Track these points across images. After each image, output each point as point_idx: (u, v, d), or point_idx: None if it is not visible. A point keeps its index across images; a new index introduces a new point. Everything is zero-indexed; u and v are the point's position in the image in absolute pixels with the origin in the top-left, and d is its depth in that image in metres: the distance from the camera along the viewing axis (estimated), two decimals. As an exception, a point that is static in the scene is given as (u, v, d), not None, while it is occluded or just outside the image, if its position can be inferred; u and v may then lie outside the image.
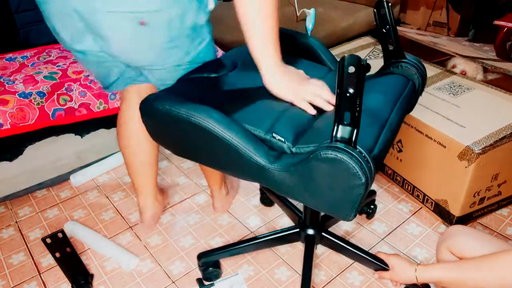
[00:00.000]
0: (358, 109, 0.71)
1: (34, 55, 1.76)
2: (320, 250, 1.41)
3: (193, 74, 1.10)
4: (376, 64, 1.17)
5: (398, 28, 2.41)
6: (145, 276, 1.36)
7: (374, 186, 1.67)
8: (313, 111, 0.94)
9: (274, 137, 0.88)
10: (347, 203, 0.80)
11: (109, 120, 1.71)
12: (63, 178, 1.77)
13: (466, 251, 1.00)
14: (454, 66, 1.83)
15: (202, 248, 1.41)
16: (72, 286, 1.32)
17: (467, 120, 1.39)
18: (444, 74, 1.68)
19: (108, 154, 1.84)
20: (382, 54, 1.15)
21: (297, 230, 1.29)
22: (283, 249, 1.42)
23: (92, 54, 1.08)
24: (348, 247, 1.26)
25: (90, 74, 1.60)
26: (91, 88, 1.59)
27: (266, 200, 1.61)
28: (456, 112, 1.44)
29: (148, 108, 0.98)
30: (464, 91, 1.56)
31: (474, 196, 1.40)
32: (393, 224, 1.50)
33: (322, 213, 1.31)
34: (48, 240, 1.44)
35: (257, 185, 1.69)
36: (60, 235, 1.44)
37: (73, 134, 1.67)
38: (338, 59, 1.18)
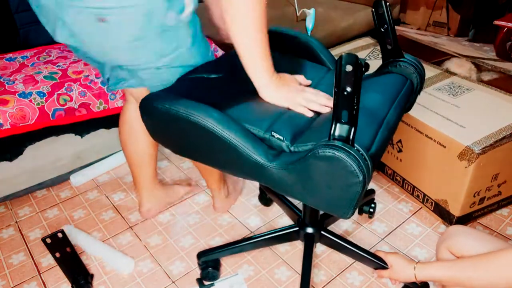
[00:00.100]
0: (355, 107, 0.72)
1: (34, 55, 1.77)
2: (320, 250, 1.41)
3: (193, 74, 1.10)
4: (376, 64, 1.18)
5: (398, 28, 2.42)
6: (145, 276, 1.36)
7: (374, 186, 1.67)
8: (310, 114, 0.95)
9: (273, 136, 0.88)
10: (344, 201, 0.81)
11: (109, 120, 1.72)
12: (63, 178, 1.77)
13: (465, 251, 1.00)
14: (447, 70, 1.83)
15: (202, 248, 1.41)
16: (72, 286, 1.32)
17: (467, 120, 1.39)
18: (444, 75, 1.68)
19: (108, 154, 1.84)
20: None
21: (297, 228, 1.30)
22: (283, 249, 1.42)
23: (74, 48, 1.09)
24: (347, 245, 1.27)
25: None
26: (91, 88, 1.59)
27: (264, 200, 1.61)
28: (456, 112, 1.44)
29: (147, 107, 0.98)
30: (464, 91, 1.56)
31: (474, 196, 1.40)
32: (393, 224, 1.50)
33: (321, 212, 1.31)
34: (48, 240, 1.43)
35: (257, 185, 1.69)
36: (60, 235, 1.44)
37: (73, 134, 1.68)
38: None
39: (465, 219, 1.46)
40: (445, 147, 1.36)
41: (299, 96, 0.97)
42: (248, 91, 0.99)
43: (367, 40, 2.02)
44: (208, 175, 1.48)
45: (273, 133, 0.88)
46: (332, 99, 0.98)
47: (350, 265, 1.36)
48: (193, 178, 1.77)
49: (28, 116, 1.48)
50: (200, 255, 1.32)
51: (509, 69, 1.69)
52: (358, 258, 1.29)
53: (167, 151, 1.93)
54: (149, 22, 0.96)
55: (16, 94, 1.48)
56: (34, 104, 1.49)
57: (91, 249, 1.44)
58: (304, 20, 1.82)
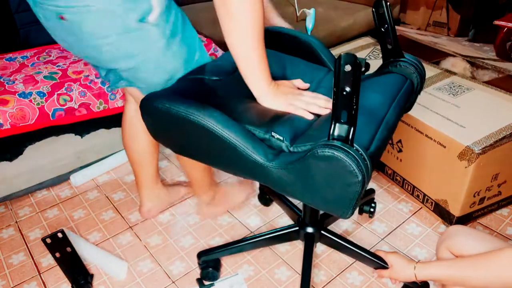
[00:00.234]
0: (354, 107, 0.72)
1: (34, 55, 1.77)
2: (320, 249, 1.41)
3: (193, 75, 1.10)
4: (376, 64, 1.18)
5: (398, 28, 2.42)
6: (145, 276, 1.36)
7: (374, 186, 1.67)
8: (310, 116, 0.95)
9: (273, 136, 0.88)
10: (344, 200, 0.81)
11: (109, 120, 1.72)
12: (63, 178, 1.77)
13: (465, 251, 1.00)
14: (446, 70, 1.83)
15: (202, 248, 1.41)
16: (72, 286, 1.32)
17: (467, 120, 1.39)
18: (444, 74, 1.68)
19: (108, 154, 1.84)
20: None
21: (297, 228, 1.30)
22: (283, 249, 1.42)
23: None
24: (347, 245, 1.27)
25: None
26: (91, 88, 1.59)
27: (264, 200, 1.61)
28: (456, 112, 1.44)
29: (148, 106, 0.99)
30: (464, 91, 1.56)
31: (474, 196, 1.40)
32: (393, 224, 1.50)
33: (321, 212, 1.31)
34: (48, 240, 1.44)
35: (257, 185, 1.69)
36: (60, 235, 1.44)
37: (73, 134, 1.68)
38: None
39: (465, 219, 1.46)
40: (445, 147, 1.36)
41: (298, 100, 0.98)
42: (248, 92, 0.99)
43: (367, 40, 2.02)
44: (192, 179, 1.47)
45: (273, 134, 0.88)
46: (331, 100, 0.98)
47: (350, 265, 1.36)
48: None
49: (28, 116, 1.48)
50: (200, 255, 1.32)
51: (509, 69, 1.69)
52: (358, 257, 1.29)
53: (168, 151, 1.93)
54: (110, 22, 0.96)
55: (16, 94, 1.48)
56: (34, 104, 1.49)
57: (85, 254, 1.43)
58: (304, 20, 1.81)
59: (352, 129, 0.74)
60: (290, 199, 1.45)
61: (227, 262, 1.38)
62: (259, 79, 0.97)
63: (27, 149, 1.59)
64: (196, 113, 0.88)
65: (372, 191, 1.55)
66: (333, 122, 0.75)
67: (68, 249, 1.40)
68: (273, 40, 1.21)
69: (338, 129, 0.75)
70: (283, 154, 0.86)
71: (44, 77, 1.58)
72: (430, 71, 1.71)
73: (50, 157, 1.67)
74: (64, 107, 1.54)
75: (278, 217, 1.56)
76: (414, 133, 1.46)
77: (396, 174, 1.63)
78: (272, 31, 1.22)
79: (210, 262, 1.32)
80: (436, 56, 1.91)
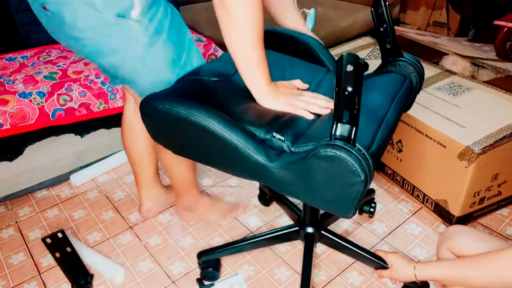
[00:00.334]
0: (356, 107, 0.72)
1: (34, 55, 1.77)
2: (320, 249, 1.41)
3: (192, 76, 1.10)
4: (377, 64, 1.18)
5: (398, 28, 2.42)
6: (145, 276, 1.36)
7: (374, 186, 1.67)
8: (310, 116, 0.95)
9: (274, 137, 0.88)
10: (346, 200, 0.81)
11: (109, 120, 1.72)
12: (63, 178, 1.77)
13: (466, 251, 1.00)
14: (446, 70, 1.83)
15: (202, 248, 1.41)
16: (72, 286, 1.32)
17: (467, 120, 1.39)
18: (444, 74, 1.68)
19: (108, 154, 1.84)
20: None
21: (297, 228, 1.30)
22: (283, 249, 1.42)
23: None
24: (347, 245, 1.27)
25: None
26: (91, 88, 1.59)
27: (264, 200, 1.61)
28: (456, 112, 1.44)
29: (147, 108, 0.98)
30: (464, 91, 1.56)
31: (474, 196, 1.40)
32: (393, 224, 1.50)
33: (321, 212, 1.31)
34: (48, 240, 1.44)
35: (257, 185, 1.69)
36: (60, 235, 1.44)
37: (73, 134, 1.68)
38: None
39: (465, 219, 1.46)
40: (445, 147, 1.36)
41: (298, 100, 0.98)
42: (248, 93, 0.99)
43: (367, 40, 2.03)
44: (175, 179, 1.44)
45: (274, 134, 0.88)
46: (331, 101, 0.99)
47: (350, 265, 1.36)
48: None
49: (28, 116, 1.48)
50: (200, 255, 1.32)
51: (509, 69, 1.69)
52: (358, 257, 1.29)
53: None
54: (89, 15, 0.96)
55: (16, 94, 1.48)
56: (34, 104, 1.49)
57: (83, 258, 1.42)
58: (304, 20, 1.82)
59: (354, 129, 0.75)
60: (290, 199, 1.45)
61: (227, 262, 1.38)
62: (258, 80, 0.97)
63: (27, 149, 1.59)
64: (197, 114, 0.88)
65: (372, 191, 1.55)
66: (335, 122, 0.75)
67: (68, 249, 1.40)
68: (272, 40, 1.21)
69: (340, 129, 0.75)
70: (285, 155, 0.86)
71: (44, 77, 1.58)
72: (430, 71, 1.71)
73: (50, 157, 1.67)
74: (64, 107, 1.54)
75: (278, 217, 1.56)
76: (414, 133, 1.46)
77: (396, 174, 1.63)
78: (271, 32, 1.22)
79: (210, 262, 1.32)
80: (436, 56, 1.91)
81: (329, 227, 1.40)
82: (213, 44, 1.85)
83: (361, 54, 1.84)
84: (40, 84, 1.53)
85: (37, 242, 1.50)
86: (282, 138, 0.88)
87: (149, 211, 1.55)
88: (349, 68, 0.69)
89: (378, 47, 1.88)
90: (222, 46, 1.82)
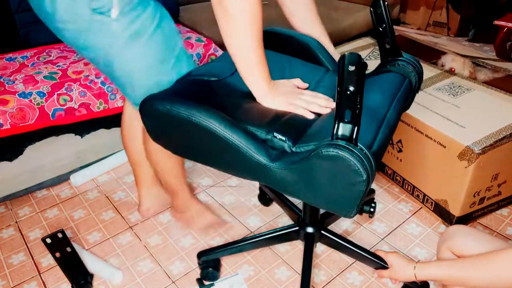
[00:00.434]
0: (358, 106, 0.72)
1: (34, 55, 1.76)
2: (320, 249, 1.41)
3: (192, 76, 1.10)
4: (376, 64, 1.18)
5: (398, 28, 2.42)
6: (145, 276, 1.36)
7: (374, 186, 1.67)
8: (311, 115, 0.95)
9: (275, 137, 0.88)
10: (348, 200, 0.81)
11: (109, 120, 1.71)
12: (63, 178, 1.77)
13: (467, 251, 1.01)
14: (443, 65, 1.83)
15: (202, 248, 1.41)
16: (72, 286, 1.32)
17: (467, 120, 1.39)
18: (444, 75, 1.68)
19: (108, 154, 1.84)
20: (381, 53, 1.15)
21: (297, 228, 1.30)
22: (283, 249, 1.42)
23: None
24: (347, 245, 1.27)
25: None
26: (91, 88, 1.59)
27: (264, 200, 1.61)
28: (456, 112, 1.44)
29: (147, 109, 0.98)
30: (464, 91, 1.56)
31: (474, 196, 1.40)
32: (393, 224, 1.50)
33: (321, 211, 1.31)
34: (48, 240, 1.43)
35: (257, 185, 1.69)
36: (60, 235, 1.43)
37: (73, 134, 1.67)
38: (337, 60, 1.18)
39: (465, 219, 1.46)
40: (445, 147, 1.36)
41: (298, 99, 0.98)
42: (248, 92, 0.99)
43: (367, 40, 2.03)
44: (168, 186, 1.44)
45: (275, 134, 0.88)
46: (331, 100, 0.99)
47: (350, 265, 1.36)
48: (192, 178, 1.77)
49: (28, 116, 1.48)
50: (200, 255, 1.32)
51: (509, 69, 1.69)
52: (359, 257, 1.29)
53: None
54: (67, 7, 0.98)
55: (16, 94, 1.48)
56: (34, 104, 1.49)
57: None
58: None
59: (356, 128, 0.75)
60: (290, 199, 1.44)
61: (227, 262, 1.38)
62: (258, 80, 0.97)
63: (27, 149, 1.59)
64: (198, 114, 0.88)
65: (372, 191, 1.55)
66: (337, 122, 0.75)
67: (68, 249, 1.39)
68: (271, 40, 1.21)
69: (342, 129, 0.75)
70: (286, 155, 0.86)
71: (44, 77, 1.57)
72: (430, 71, 1.71)
73: (50, 157, 1.67)
74: (64, 107, 1.54)
75: (278, 217, 1.56)
76: (414, 133, 1.46)
77: (396, 174, 1.63)
78: (270, 32, 1.22)
79: (210, 262, 1.32)
80: (436, 56, 1.91)
81: (329, 227, 1.40)
82: (213, 44, 1.85)
83: (361, 54, 1.84)
84: (40, 84, 1.53)
85: (37, 242, 1.50)
86: (283, 138, 0.88)
87: (148, 210, 1.55)
88: (351, 67, 0.69)
89: (378, 47, 1.89)
90: (222, 46, 1.82)
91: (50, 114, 1.52)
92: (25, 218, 1.61)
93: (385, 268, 1.17)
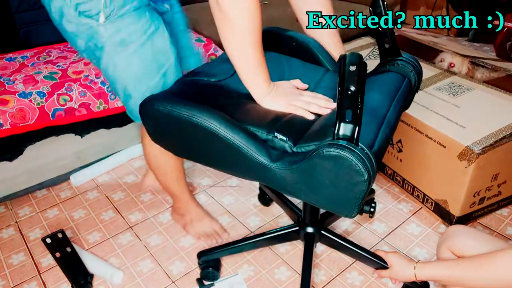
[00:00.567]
0: (359, 106, 0.72)
1: (34, 55, 1.76)
2: (320, 249, 1.41)
3: (191, 76, 1.10)
4: (377, 64, 1.18)
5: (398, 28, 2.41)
6: (145, 276, 1.36)
7: (374, 186, 1.67)
8: (311, 116, 0.95)
9: (276, 137, 0.88)
10: (350, 200, 0.81)
11: (109, 120, 1.71)
12: (63, 178, 1.77)
13: (467, 251, 1.01)
14: (442, 60, 1.83)
15: (202, 248, 1.41)
16: (72, 286, 1.32)
17: (467, 120, 1.39)
18: (444, 75, 1.68)
19: (108, 154, 1.84)
20: (380, 53, 1.15)
21: (297, 228, 1.30)
22: (283, 249, 1.42)
23: None
24: (347, 245, 1.27)
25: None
26: (91, 88, 1.59)
27: (264, 200, 1.61)
28: (456, 112, 1.44)
29: (148, 109, 0.98)
30: (464, 91, 1.56)
31: (474, 196, 1.41)
32: (393, 224, 1.50)
33: (321, 211, 1.31)
34: (48, 240, 1.43)
35: (257, 185, 1.69)
36: (60, 235, 1.43)
37: (73, 134, 1.67)
38: (337, 59, 1.18)
39: (465, 219, 1.46)
40: (445, 147, 1.37)
41: (297, 100, 0.98)
42: (248, 93, 0.99)
43: (367, 40, 2.03)
44: (170, 192, 1.45)
45: (276, 134, 0.88)
46: (331, 100, 0.99)
47: (350, 265, 1.36)
48: (192, 179, 1.77)
49: (28, 116, 1.48)
50: (200, 255, 1.32)
51: (509, 68, 1.69)
52: (359, 257, 1.29)
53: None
54: (60, 3, 0.99)
55: (16, 94, 1.48)
56: (34, 104, 1.48)
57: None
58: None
59: (357, 128, 0.75)
60: (290, 199, 1.45)
61: (227, 262, 1.38)
62: (257, 82, 0.96)
63: (27, 149, 1.59)
64: (199, 115, 0.88)
65: (372, 191, 1.55)
66: (338, 122, 0.75)
67: (68, 249, 1.39)
68: (271, 41, 1.21)
69: (343, 129, 0.75)
70: (287, 155, 0.86)
71: (44, 77, 1.57)
72: (430, 71, 1.71)
73: (50, 157, 1.67)
74: (64, 107, 1.54)
75: (278, 217, 1.56)
76: (414, 133, 1.46)
77: (396, 174, 1.63)
78: (270, 32, 1.22)
79: (210, 262, 1.32)
80: (435, 56, 1.91)
81: (329, 227, 1.40)
82: (213, 44, 1.85)
83: (361, 54, 1.84)
84: (40, 84, 1.53)
85: (37, 242, 1.50)
86: (284, 139, 0.88)
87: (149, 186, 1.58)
88: (352, 67, 0.69)
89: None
90: (222, 46, 1.82)
91: (50, 114, 1.52)
92: (25, 218, 1.61)
93: (385, 268, 1.17)
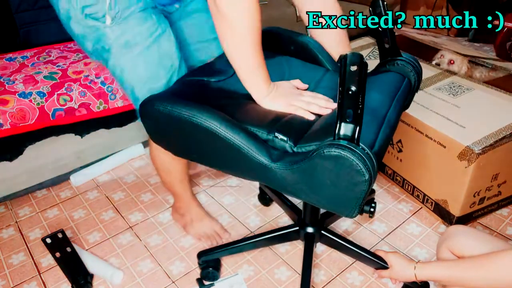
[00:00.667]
0: (360, 106, 0.72)
1: (34, 55, 1.76)
2: (320, 249, 1.41)
3: (191, 76, 1.10)
4: (377, 64, 1.18)
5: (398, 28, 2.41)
6: (145, 276, 1.36)
7: (374, 186, 1.67)
8: (311, 116, 0.95)
9: (276, 137, 0.88)
10: (351, 200, 0.81)
11: (109, 120, 1.71)
12: (63, 178, 1.77)
13: (467, 251, 1.00)
14: (442, 56, 1.83)
15: (202, 248, 1.41)
16: (72, 286, 1.32)
17: (467, 120, 1.39)
18: (444, 75, 1.68)
19: (108, 154, 1.84)
20: (380, 53, 1.15)
21: (297, 228, 1.30)
22: (283, 249, 1.42)
23: None
24: (347, 245, 1.27)
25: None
26: (91, 88, 1.59)
27: (264, 200, 1.61)
28: (456, 112, 1.44)
29: (147, 109, 0.98)
30: (464, 91, 1.56)
31: (474, 196, 1.41)
32: (393, 224, 1.50)
33: (321, 211, 1.31)
34: (48, 240, 1.43)
35: (257, 185, 1.69)
36: (60, 235, 1.43)
37: (73, 134, 1.67)
38: (336, 59, 1.18)
39: (465, 219, 1.46)
40: (445, 147, 1.37)
41: (298, 100, 0.98)
42: (248, 94, 0.99)
43: (367, 40, 2.03)
44: (173, 192, 1.45)
45: (276, 134, 0.88)
46: (331, 100, 0.99)
47: (350, 265, 1.36)
48: (192, 179, 1.77)
49: (28, 116, 1.48)
50: (200, 255, 1.32)
51: (509, 68, 1.69)
52: (359, 257, 1.29)
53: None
54: (67, 5, 1.00)
55: (16, 94, 1.48)
56: (34, 104, 1.48)
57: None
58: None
59: (358, 128, 0.75)
60: (290, 199, 1.45)
61: (227, 262, 1.38)
62: (257, 82, 0.96)
63: (27, 149, 1.59)
64: (199, 115, 0.88)
65: (372, 191, 1.55)
66: (338, 122, 0.75)
67: (68, 249, 1.39)
68: (271, 40, 1.21)
69: (344, 129, 0.75)
70: (287, 155, 0.86)
71: (44, 77, 1.57)
72: (430, 71, 1.71)
73: (50, 157, 1.67)
74: (64, 107, 1.54)
75: (278, 217, 1.56)
76: (414, 133, 1.46)
77: (396, 174, 1.63)
78: (269, 32, 1.22)
79: (210, 262, 1.32)
80: (435, 54, 1.91)
81: (329, 227, 1.40)
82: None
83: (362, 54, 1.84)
84: (40, 84, 1.53)
85: (37, 242, 1.50)
86: (285, 139, 0.87)
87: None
88: (353, 67, 0.69)
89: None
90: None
91: (50, 114, 1.52)
92: (25, 218, 1.61)
93: (385, 268, 1.17)
